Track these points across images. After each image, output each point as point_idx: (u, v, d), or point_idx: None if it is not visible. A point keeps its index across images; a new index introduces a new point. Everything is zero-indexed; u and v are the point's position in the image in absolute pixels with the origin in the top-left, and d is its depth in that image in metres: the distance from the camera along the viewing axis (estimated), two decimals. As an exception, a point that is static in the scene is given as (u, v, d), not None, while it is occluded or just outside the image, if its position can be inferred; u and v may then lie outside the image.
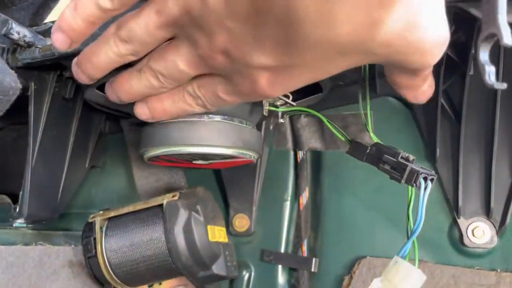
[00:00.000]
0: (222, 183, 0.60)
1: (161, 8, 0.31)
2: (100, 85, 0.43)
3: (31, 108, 0.50)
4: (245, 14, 0.28)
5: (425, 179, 0.36)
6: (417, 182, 0.36)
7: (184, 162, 0.48)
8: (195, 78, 0.36)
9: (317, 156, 0.59)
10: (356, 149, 0.43)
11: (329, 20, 0.26)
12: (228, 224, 0.58)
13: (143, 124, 0.46)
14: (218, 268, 0.51)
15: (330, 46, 0.28)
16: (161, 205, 0.50)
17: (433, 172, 0.37)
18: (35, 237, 0.54)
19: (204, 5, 0.29)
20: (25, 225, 0.52)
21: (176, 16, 0.31)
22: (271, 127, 0.59)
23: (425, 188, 0.36)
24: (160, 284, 0.53)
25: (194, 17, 0.30)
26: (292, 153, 0.59)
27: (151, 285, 0.53)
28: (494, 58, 0.46)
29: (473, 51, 0.44)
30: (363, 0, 0.25)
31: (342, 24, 0.26)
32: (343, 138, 0.45)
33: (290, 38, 0.28)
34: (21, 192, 0.51)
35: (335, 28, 0.27)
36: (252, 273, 0.58)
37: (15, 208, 0.51)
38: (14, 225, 0.51)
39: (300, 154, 0.59)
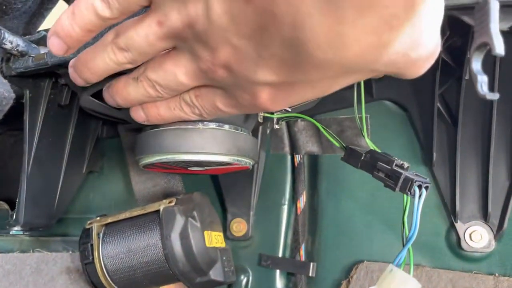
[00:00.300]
0: (219, 187, 0.59)
1: (163, 19, 0.31)
2: (95, 92, 0.43)
3: (26, 116, 0.50)
4: (251, 31, 0.28)
5: (420, 187, 0.36)
6: (412, 190, 0.36)
7: (179, 169, 0.48)
8: (193, 87, 0.35)
9: (314, 160, 0.58)
10: (351, 155, 0.42)
11: (338, 42, 0.26)
12: (225, 229, 0.58)
13: (139, 130, 0.46)
14: (215, 273, 0.51)
15: (336, 67, 0.28)
16: (157, 211, 0.50)
17: (427, 179, 0.37)
18: (32, 244, 0.54)
19: (208, 20, 0.28)
20: (21, 232, 0.52)
21: (179, 28, 0.30)
22: (267, 132, 0.59)
23: (420, 196, 0.36)
24: (158, 290, 0.53)
25: (197, 31, 0.30)
26: (289, 157, 0.59)
27: (148, 291, 0.53)
28: (490, 62, 0.46)
29: (468, 56, 0.44)
30: (373, 23, 0.25)
31: (350, 46, 0.26)
32: (338, 145, 0.44)
33: (296, 58, 0.28)
34: (17, 200, 0.51)
35: (343, 50, 0.26)
36: (250, 278, 0.57)
37: (11, 216, 0.51)
38: (11, 232, 0.51)
39: (297, 158, 0.59)
